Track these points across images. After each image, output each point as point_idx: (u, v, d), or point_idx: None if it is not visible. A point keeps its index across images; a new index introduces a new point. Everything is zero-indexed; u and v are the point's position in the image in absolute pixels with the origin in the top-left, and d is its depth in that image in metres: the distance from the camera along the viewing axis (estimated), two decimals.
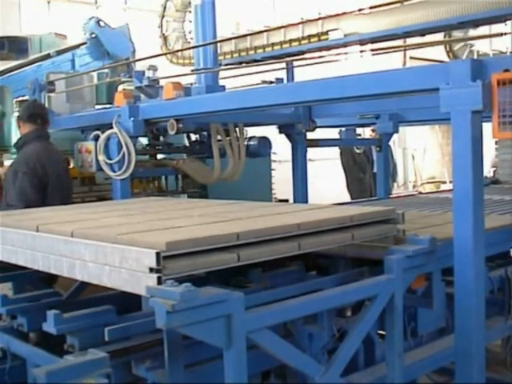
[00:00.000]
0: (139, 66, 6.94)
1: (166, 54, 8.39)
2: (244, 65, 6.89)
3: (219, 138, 5.96)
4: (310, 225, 3.00)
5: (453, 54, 8.35)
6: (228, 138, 5.94)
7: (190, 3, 8.29)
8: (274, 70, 6.35)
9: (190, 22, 8.74)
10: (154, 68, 5.95)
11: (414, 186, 18.97)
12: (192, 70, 5.87)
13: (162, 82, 5.69)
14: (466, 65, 3.14)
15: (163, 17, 9.24)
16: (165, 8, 9.28)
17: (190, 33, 8.74)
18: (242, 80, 6.39)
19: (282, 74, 6.02)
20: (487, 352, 5.30)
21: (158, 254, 2.41)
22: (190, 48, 6.83)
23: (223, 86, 5.77)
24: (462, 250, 3.27)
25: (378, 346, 3.69)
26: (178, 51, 8.31)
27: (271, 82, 5.77)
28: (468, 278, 3.27)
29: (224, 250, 2.68)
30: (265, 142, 6.38)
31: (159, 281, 2.41)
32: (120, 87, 8.02)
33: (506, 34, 5.04)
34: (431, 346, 3.86)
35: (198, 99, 5.13)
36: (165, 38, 9.11)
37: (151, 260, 2.42)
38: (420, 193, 8.62)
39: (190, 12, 8.87)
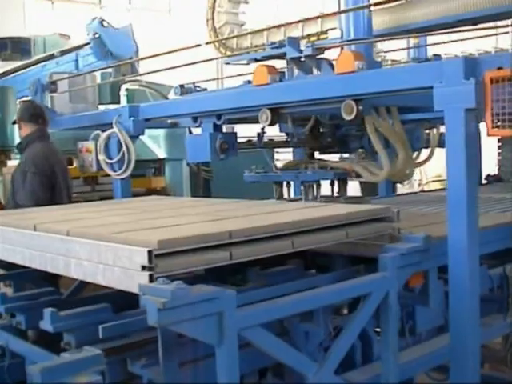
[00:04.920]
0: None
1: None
2: None
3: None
4: (303, 223, 3.02)
5: None
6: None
7: None
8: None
9: (244, 13, 8.50)
10: None
11: (419, 185, 18.91)
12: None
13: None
14: (460, 63, 3.15)
15: (214, 9, 8.74)
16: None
17: (241, 26, 8.42)
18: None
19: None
20: (488, 350, 5.34)
21: (149, 252, 2.44)
22: (338, 13, 5.09)
23: (379, 62, 4.98)
24: (456, 249, 3.29)
25: (375, 343, 3.70)
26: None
27: None
28: (462, 277, 3.29)
29: (217, 248, 2.70)
30: None
31: (151, 279, 2.43)
32: (123, 87, 8.08)
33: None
34: (428, 344, 3.87)
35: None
36: (215, 31, 8.65)
37: (143, 258, 2.44)
38: (422, 191, 8.61)
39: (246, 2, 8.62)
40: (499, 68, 3.07)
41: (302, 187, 5.30)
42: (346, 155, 6.38)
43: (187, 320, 2.41)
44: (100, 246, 2.70)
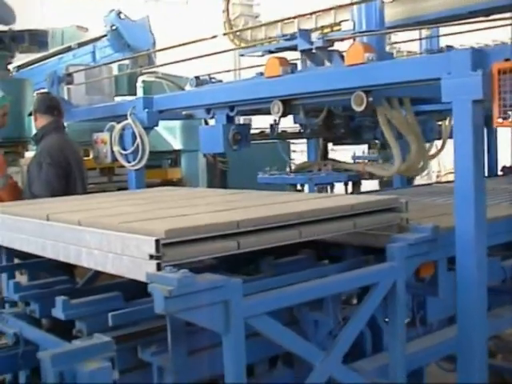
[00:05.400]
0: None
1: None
2: None
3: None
4: (311, 213, 3.05)
5: None
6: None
7: None
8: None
9: (259, 4, 8.51)
10: None
11: (437, 176, 18.87)
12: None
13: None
14: (467, 54, 3.16)
15: (228, 0, 8.71)
16: None
17: (256, 17, 8.45)
18: None
19: None
20: (501, 341, 5.35)
21: (157, 241, 2.48)
22: (350, 4, 4.94)
23: (391, 54, 5.02)
24: (464, 239, 3.31)
25: (385, 333, 3.72)
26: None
27: None
28: (470, 267, 3.30)
29: (225, 237, 2.74)
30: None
31: (159, 267, 2.47)
32: (140, 78, 8.13)
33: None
34: (438, 335, 3.89)
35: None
36: (230, 22, 8.65)
37: (151, 247, 2.48)
38: (438, 182, 8.60)
39: None
40: (507, 59, 3.07)
41: (315, 188, 5.35)
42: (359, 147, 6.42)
43: (194, 308, 2.45)
44: (109, 235, 2.75)
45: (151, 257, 2.50)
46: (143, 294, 3.22)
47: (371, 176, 5.52)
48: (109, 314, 2.95)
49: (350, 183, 5.62)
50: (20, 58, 8.49)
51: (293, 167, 6.10)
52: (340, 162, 5.70)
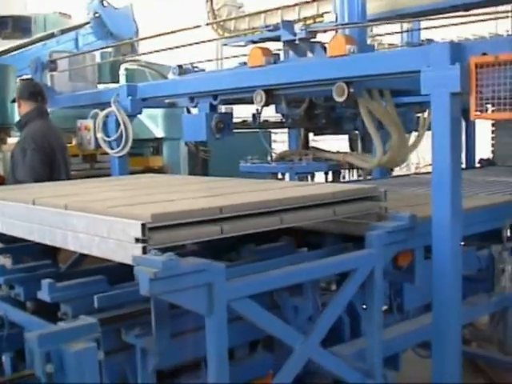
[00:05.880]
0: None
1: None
2: None
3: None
4: (293, 200, 3.13)
5: None
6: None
7: None
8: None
9: None
10: None
11: (416, 168, 19.02)
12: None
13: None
14: (446, 48, 3.24)
15: None
16: None
17: (239, 8, 8.47)
18: None
19: None
20: (475, 329, 5.47)
21: (143, 225, 2.54)
22: None
23: (372, 46, 4.99)
24: (440, 229, 3.40)
25: (363, 319, 3.81)
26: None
27: None
28: (445, 255, 3.39)
29: (208, 222, 2.81)
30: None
31: (144, 251, 2.54)
32: (122, 66, 8.16)
33: None
34: (414, 322, 3.99)
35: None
36: (213, 12, 8.64)
37: (137, 231, 2.55)
38: (416, 173, 8.72)
39: None
40: (484, 54, 3.16)
41: (296, 177, 5.44)
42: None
43: (178, 290, 2.52)
44: (96, 219, 2.81)
45: (137, 240, 2.56)
46: (126, 279, 3.32)
47: (351, 166, 5.60)
48: (94, 296, 3.01)
49: (331, 173, 5.71)
50: (3, 44, 8.49)
51: (274, 156, 6.18)
52: (321, 150, 5.78)
